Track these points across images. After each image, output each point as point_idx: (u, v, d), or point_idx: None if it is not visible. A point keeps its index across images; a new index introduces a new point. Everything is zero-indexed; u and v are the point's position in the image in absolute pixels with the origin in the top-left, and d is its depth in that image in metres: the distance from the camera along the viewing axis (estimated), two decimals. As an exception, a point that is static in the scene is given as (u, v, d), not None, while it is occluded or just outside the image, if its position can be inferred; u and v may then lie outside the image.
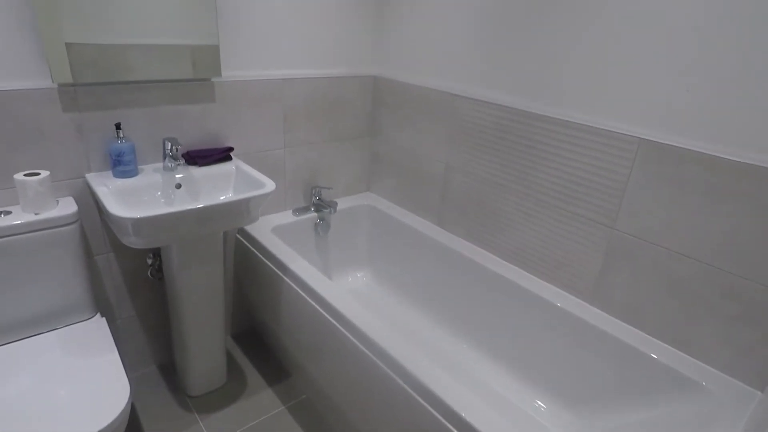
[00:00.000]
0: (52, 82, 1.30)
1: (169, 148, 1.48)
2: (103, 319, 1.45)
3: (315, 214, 1.98)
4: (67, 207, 1.35)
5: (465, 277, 1.76)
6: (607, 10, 1.25)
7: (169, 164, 1.50)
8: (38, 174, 1.31)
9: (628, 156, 1.28)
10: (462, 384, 1.61)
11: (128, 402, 1.15)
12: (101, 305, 1.62)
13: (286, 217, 1.92)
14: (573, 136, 1.39)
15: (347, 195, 2.16)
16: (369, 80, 2.01)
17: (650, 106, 1.22)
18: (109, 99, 1.41)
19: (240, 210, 1.39)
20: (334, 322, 1.37)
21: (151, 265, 1.65)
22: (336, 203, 2.02)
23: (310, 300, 1.48)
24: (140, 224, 1.22)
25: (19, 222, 1.25)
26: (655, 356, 1.29)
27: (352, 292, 2.10)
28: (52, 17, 1.23)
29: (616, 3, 1.23)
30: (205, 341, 1.64)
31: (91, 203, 1.48)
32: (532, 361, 1.59)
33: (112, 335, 1.63)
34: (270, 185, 1.43)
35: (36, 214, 1.29)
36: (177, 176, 1.51)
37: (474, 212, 1.76)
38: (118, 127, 1.40)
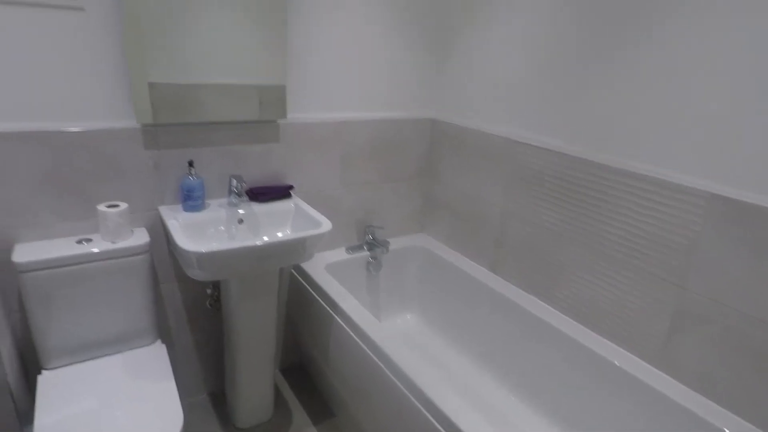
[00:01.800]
0: (137, 122, 1.42)
1: (234, 184, 1.56)
2: (163, 346, 1.52)
3: (368, 252, 2.00)
4: (141, 237, 1.44)
5: (518, 327, 1.70)
6: (674, 57, 1.21)
7: (234, 200, 1.58)
8: (118, 206, 1.42)
9: (698, 211, 1.21)
10: (512, 441, 1.53)
11: (181, 430, 1.18)
12: (162, 332, 1.70)
13: (340, 254, 1.96)
14: (638, 188, 1.33)
15: (400, 235, 2.17)
16: (427, 123, 2.05)
17: (722, 160, 1.15)
18: (184, 138, 1.52)
19: (297, 248, 1.43)
20: (382, 366, 1.36)
21: (210, 296, 1.72)
22: (388, 243, 2.03)
23: (358, 340, 1.47)
24: (204, 258, 1.28)
25: (98, 250, 1.35)
26: (727, 431, 1.17)
27: (401, 334, 2.07)
28: (139, 60, 1.36)
29: (685, 50, 1.19)
30: (255, 373, 1.67)
31: (161, 234, 1.58)
32: (586, 422, 1.49)
33: (170, 361, 1.70)
34: (326, 225, 1.47)
35: (113, 242, 1.39)
36: (240, 212, 1.59)
37: (530, 260, 1.71)
38: (191, 164, 1.50)
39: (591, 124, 1.44)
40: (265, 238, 1.34)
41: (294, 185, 1.77)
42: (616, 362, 1.40)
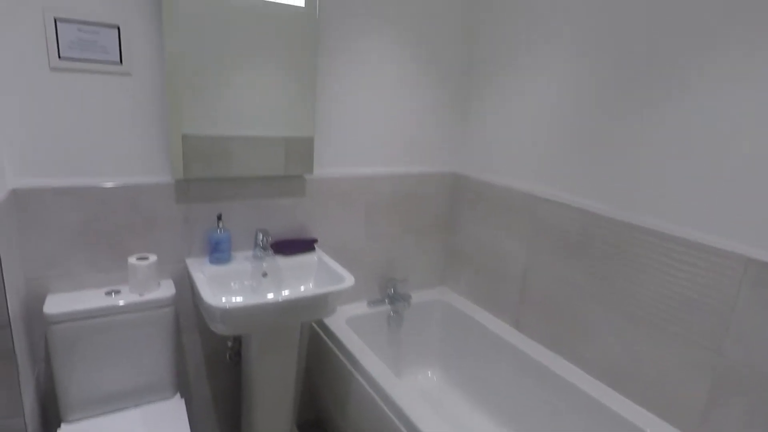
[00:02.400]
0: (171, 178, 1.47)
1: (260, 238, 1.59)
2: (182, 400, 1.50)
3: (389, 306, 1.98)
4: (167, 290, 1.46)
5: (542, 387, 1.63)
6: (706, 116, 1.22)
7: (259, 253, 1.60)
8: (147, 258, 1.45)
9: (734, 275, 1.18)
10: None
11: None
12: (181, 384, 1.68)
13: (361, 307, 1.94)
14: (668, 249, 1.31)
15: (422, 288, 2.15)
16: (450, 177, 2.07)
17: (759, 223, 1.13)
18: (214, 192, 1.56)
19: (319, 303, 1.43)
20: (402, 427, 1.31)
21: (230, 348, 1.71)
22: (410, 296, 2.01)
23: (378, 399, 1.44)
24: (227, 313, 1.29)
25: (126, 303, 1.37)
26: None
27: (421, 390, 2.01)
28: (176, 114, 1.41)
29: (717, 109, 1.20)
30: (272, 428, 1.63)
31: (187, 286, 1.59)
32: (624, 498, 1.39)
33: (188, 414, 1.67)
34: (349, 280, 1.47)
35: (141, 295, 1.41)
36: (264, 265, 1.60)
37: (555, 318, 1.67)
38: (219, 218, 1.54)
39: (616, 182, 1.44)
40: (287, 293, 1.35)
41: (318, 238, 1.79)
42: (646, 430, 1.32)
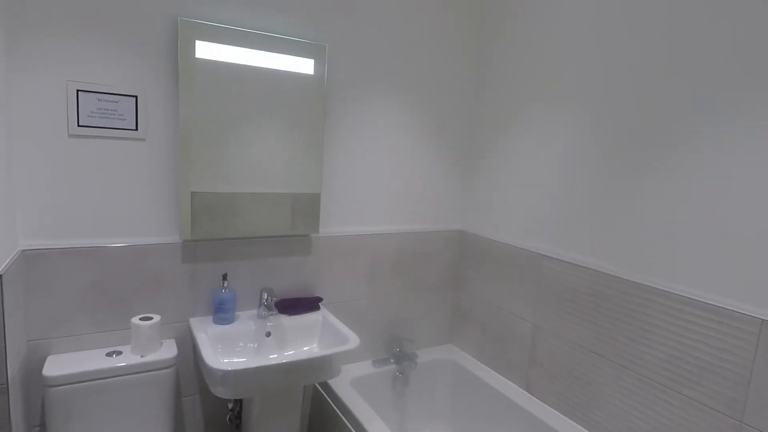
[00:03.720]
0: (180, 238, 1.49)
1: (265, 298, 1.58)
2: (179, 468, 1.44)
3: (394, 366, 1.93)
4: (169, 350, 1.44)
5: (559, 457, 1.55)
6: (720, 178, 1.23)
7: (263, 312, 1.59)
8: (151, 318, 1.44)
9: (750, 339, 1.14)
10: None
11: None
12: (178, 449, 1.62)
13: (366, 367, 1.89)
14: (681, 311, 1.28)
15: (428, 346, 2.10)
16: (455, 235, 2.08)
17: (768, 286, 1.12)
18: (221, 252, 1.57)
19: (323, 365, 1.40)
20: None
21: (231, 410, 1.65)
22: (416, 355, 1.97)
23: (385, 470, 1.37)
24: (228, 376, 1.26)
25: (126, 364, 1.35)
26: None
27: (429, 457, 1.92)
28: (186, 173, 1.45)
29: (726, 170, 1.21)
30: (271, 503, 1.55)
31: (189, 345, 1.57)
32: None
33: (183, 485, 1.60)
34: (354, 341, 1.45)
35: (142, 356, 1.39)
36: (268, 324, 1.59)
37: (566, 380, 1.61)
38: (224, 277, 1.54)
39: (624, 241, 1.44)
40: (290, 354, 1.33)
41: (323, 297, 1.78)
42: None
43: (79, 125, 1.29)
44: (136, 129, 1.37)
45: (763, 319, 1.12)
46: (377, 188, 1.86)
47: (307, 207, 1.68)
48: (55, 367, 1.30)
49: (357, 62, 1.73)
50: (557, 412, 1.64)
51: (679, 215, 1.29)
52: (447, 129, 1.98)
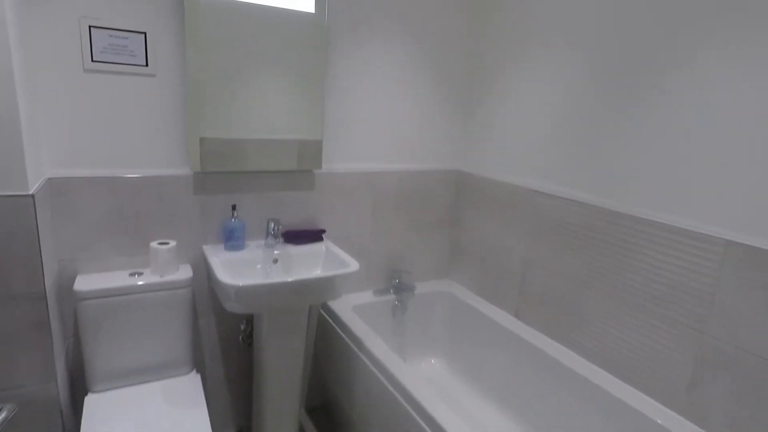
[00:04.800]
0: (191, 170, 1.60)
1: (272, 227, 1.70)
2: (198, 376, 1.61)
3: (394, 296, 2.07)
4: (185, 272, 1.58)
5: (542, 372, 1.70)
6: (688, 110, 1.29)
7: (270, 242, 1.71)
8: (168, 243, 1.57)
9: (716, 258, 1.24)
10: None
11: (209, 456, 1.25)
12: (197, 362, 1.80)
13: (367, 296, 2.04)
14: (656, 235, 1.37)
15: (426, 280, 2.23)
16: (453, 174, 2.16)
17: (738, 208, 1.20)
18: (229, 185, 1.69)
19: (326, 286, 1.53)
20: (406, 405, 1.40)
21: (243, 331, 1.82)
22: (414, 287, 2.10)
23: (383, 380, 1.52)
24: (241, 292, 1.40)
25: (148, 282, 1.49)
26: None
27: (425, 377, 2.09)
28: (194, 118, 1.55)
29: (697, 103, 1.27)
30: (281, 409, 1.73)
31: (202, 271, 1.72)
32: (615, 476, 1.45)
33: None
34: (354, 265, 1.57)
35: (161, 276, 1.53)
36: (275, 252, 1.72)
37: (553, 307, 1.74)
38: (234, 208, 1.66)
39: (610, 175, 1.52)
40: (297, 277, 1.45)
41: (326, 229, 1.90)
42: (640, 409, 1.38)
43: (93, 60, 1.38)
44: (147, 65, 1.45)
45: (727, 239, 1.21)
46: (378, 129, 1.93)
47: (310, 149, 1.76)
48: (84, 283, 1.45)
49: (357, 3, 1.76)
50: (544, 336, 1.78)
51: (659, 147, 1.36)
52: (446, 71, 2.03)
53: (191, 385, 1.57)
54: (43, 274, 1.26)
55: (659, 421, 1.34)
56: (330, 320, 1.90)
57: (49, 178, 1.42)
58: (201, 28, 1.48)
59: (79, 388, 1.62)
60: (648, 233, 1.40)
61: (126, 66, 1.43)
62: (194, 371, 1.65)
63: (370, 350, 1.61)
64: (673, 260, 1.34)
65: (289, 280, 1.44)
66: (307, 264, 1.75)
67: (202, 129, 1.56)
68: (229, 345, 1.84)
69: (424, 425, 1.32)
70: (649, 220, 1.40)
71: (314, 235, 1.82)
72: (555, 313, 1.73)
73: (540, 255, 1.78)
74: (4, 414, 0.64)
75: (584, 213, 1.60)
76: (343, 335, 1.78)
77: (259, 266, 1.69)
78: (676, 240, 1.33)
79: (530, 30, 1.78)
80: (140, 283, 1.49)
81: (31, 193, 1.19)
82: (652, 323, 1.40)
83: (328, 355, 1.93)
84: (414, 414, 1.36)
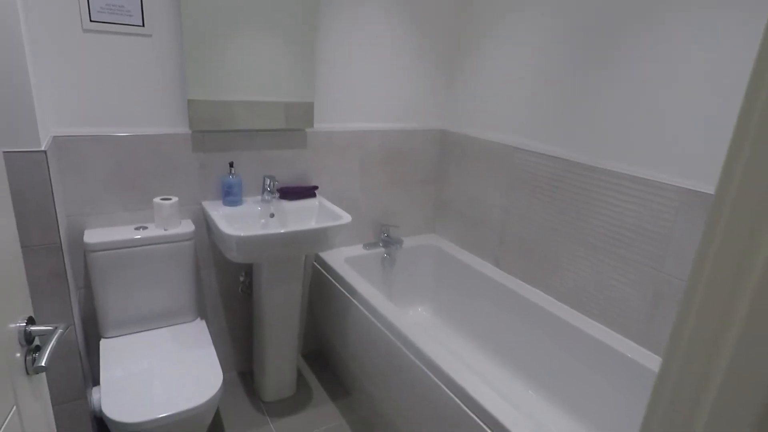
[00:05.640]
0: (189, 129, 1.68)
1: (268, 183, 1.80)
2: (203, 322, 1.74)
3: (383, 249, 2.21)
4: (188, 226, 1.68)
5: (519, 314, 1.87)
6: (649, 71, 1.41)
7: (267, 197, 1.82)
8: (170, 199, 1.66)
9: (672, 204, 1.39)
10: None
11: (220, 387, 1.39)
12: (201, 312, 1.93)
13: (357, 250, 2.17)
14: (620, 185, 1.52)
15: (413, 234, 2.37)
16: (437, 133, 2.27)
17: (692, 158, 1.33)
18: (226, 143, 1.77)
19: (320, 237, 1.65)
20: (398, 343, 1.55)
21: (242, 282, 1.94)
22: (402, 241, 2.24)
23: (376, 322, 1.67)
24: (242, 242, 1.51)
25: (152, 235, 1.59)
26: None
27: (413, 323, 2.25)
28: (197, 80, 1.62)
29: (659, 64, 1.39)
30: (281, 353, 1.88)
31: (203, 225, 1.82)
32: (581, 397, 1.64)
33: (207, 339, 1.92)
34: (346, 218, 1.69)
35: (165, 230, 1.63)
36: (272, 207, 1.82)
37: (529, 255, 1.89)
38: (231, 165, 1.75)
39: (579, 130, 1.64)
40: (294, 228, 1.56)
41: (319, 186, 2.00)
42: (605, 341, 1.56)
43: (91, 20, 1.42)
44: (143, 25, 1.50)
45: (681, 187, 1.35)
46: (367, 89, 2.01)
47: (301, 111, 1.84)
48: (93, 236, 1.54)
49: (345, -38, 1.81)
50: (521, 282, 1.94)
51: (619, 105, 1.48)
52: (432, 33, 2.10)
53: (198, 329, 1.70)
54: (58, 226, 1.35)
55: (621, 350, 1.52)
56: (324, 271, 2.03)
57: (55, 136, 1.49)
58: (194, -12, 1.53)
59: (92, 334, 1.73)
60: (611, 182, 1.54)
61: (123, 26, 1.48)
62: (199, 318, 1.77)
63: (364, 296, 1.75)
64: (634, 207, 1.49)
65: (287, 230, 1.55)
66: (302, 218, 1.87)
67: (190, 91, 1.62)
68: (229, 295, 1.97)
69: (417, 362, 1.47)
70: (612, 170, 1.53)
71: (308, 192, 1.92)
72: (530, 259, 1.89)
73: (517, 206, 1.92)
74: (59, 332, 0.76)
75: (555, 166, 1.73)
76: (337, 284, 1.92)
77: (257, 220, 1.79)
78: (637, 189, 1.47)
79: (512, -8, 1.85)
80: (146, 236, 1.59)
81: (43, 149, 1.27)
82: (615, 264, 1.56)
83: (323, 303, 2.07)
84: (407, 351, 1.51)
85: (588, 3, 1.57)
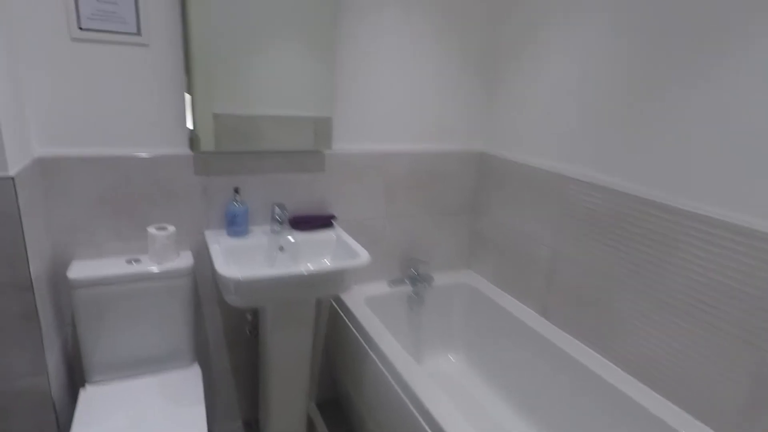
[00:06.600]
0: (191, 150, 1.48)
1: (277, 212, 1.58)
2: (199, 370, 1.53)
3: (410, 287, 1.94)
4: (185, 260, 1.48)
5: (567, 377, 1.55)
6: (743, 93, 1.09)
7: (276, 228, 1.60)
8: (166, 228, 1.47)
9: (783, 262, 1.05)
10: None
11: (202, 461, 1.16)
12: (200, 353, 1.72)
13: (381, 287, 1.91)
14: (707, 232, 1.19)
15: (445, 271, 2.09)
16: (474, 156, 1.99)
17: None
18: (232, 165, 1.56)
19: (334, 279, 1.41)
20: (415, 412, 1.28)
21: (249, 322, 1.72)
22: (432, 278, 1.96)
23: (393, 382, 1.41)
24: (241, 285, 1.29)
25: (143, 271, 1.40)
26: None
27: (442, 375, 1.97)
28: (205, 93, 1.42)
29: (753, 85, 1.07)
30: (288, 404, 1.64)
31: (206, 257, 1.61)
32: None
33: (206, 385, 1.71)
34: (365, 257, 1.44)
35: (159, 264, 1.44)
36: (281, 239, 1.60)
37: (584, 307, 1.57)
38: (236, 191, 1.54)
39: (649, 160, 1.33)
40: (302, 269, 1.33)
41: (336, 215, 1.76)
42: (678, 429, 1.22)
43: (80, 28, 1.26)
44: (139, 34, 1.32)
45: (801, 241, 1.02)
46: (393, 106, 1.77)
47: (320, 127, 1.62)
48: (78, 270, 1.36)
49: (374, -37, 1.59)
50: (572, 338, 1.62)
51: (706, 132, 1.16)
52: (469, 43, 1.83)
53: (191, 379, 1.48)
54: (29, 262, 1.17)
55: (704, 444, 1.18)
56: (341, 313, 1.78)
57: (39, 158, 1.33)
58: (200, -7, 1.34)
59: (78, 379, 1.55)
60: (695, 228, 1.22)
61: (116, 35, 1.30)
62: (195, 363, 1.56)
63: (382, 349, 1.49)
64: (725, 261, 1.15)
65: (294, 272, 1.32)
66: (315, 253, 1.63)
67: (215, 105, 1.44)
68: (235, 335, 1.76)
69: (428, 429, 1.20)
70: (697, 213, 1.21)
71: (323, 221, 1.69)
72: (585, 313, 1.57)
73: (570, 248, 1.61)
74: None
75: (620, 203, 1.42)
76: (355, 330, 1.66)
77: (263, 254, 1.57)
78: (730, 239, 1.14)
79: (561, 2, 1.57)
80: (137, 271, 1.40)
81: (10, 175, 1.09)
82: (698, 333, 1.23)
83: (340, 349, 1.82)
84: (421, 420, 1.24)
85: (660, 3, 1.26)
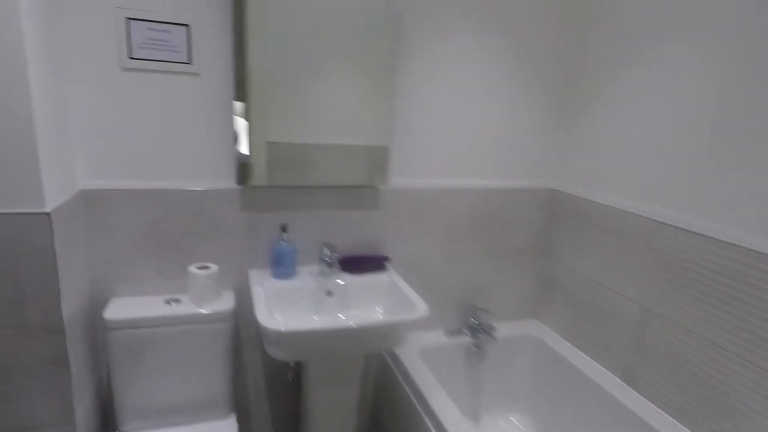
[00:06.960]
0: (237, 184, 1.39)
1: (326, 253, 1.44)
2: (236, 423, 1.39)
3: (470, 338, 1.73)
4: (227, 302, 1.37)
5: (664, 466, 1.28)
6: None
7: (325, 269, 1.46)
8: (208, 267, 1.37)
9: None
10: None
11: None
12: (240, 401, 1.59)
13: (437, 337, 1.72)
14: None
15: (509, 320, 1.87)
16: (545, 193, 1.78)
17: None
18: (282, 201, 1.45)
19: (386, 334, 1.25)
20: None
21: (292, 369, 1.58)
22: (494, 328, 1.75)
23: (450, 454, 1.20)
24: (282, 337, 1.15)
25: (181, 314, 1.30)
26: None
27: (503, 440, 1.73)
28: (259, 121, 1.33)
29: None
30: (329, 467, 1.47)
31: (249, 298, 1.49)
32: None
33: (243, 437, 1.57)
34: (422, 310, 1.27)
35: (199, 305, 1.33)
36: (330, 283, 1.46)
37: (681, 377, 1.31)
38: (283, 229, 1.42)
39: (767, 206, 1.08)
40: (351, 323, 1.18)
41: (390, 256, 1.61)
42: None
43: (131, 57, 1.20)
44: (190, 63, 1.25)
45: None
46: (455, 138, 1.61)
47: (375, 158, 1.48)
48: (115, 311, 1.28)
49: (438, -15, 1.47)
50: (668, 416, 1.35)
51: None
52: (540, 71, 1.66)
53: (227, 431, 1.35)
54: (61, 304, 1.09)
55: None
56: (392, 364, 1.61)
57: (82, 190, 1.27)
58: (263, 18, 1.25)
59: (111, 425, 1.46)
60: None
61: (167, 63, 1.24)
62: (233, 416, 1.43)
63: (436, 413, 1.29)
64: None
65: (343, 326, 1.17)
66: (366, 299, 1.48)
67: (269, 133, 1.35)
68: (275, 384, 1.61)
69: None
70: None
71: (376, 263, 1.54)
72: (683, 386, 1.30)
73: (664, 305, 1.36)
74: None
75: (731, 257, 1.17)
76: (406, 387, 1.48)
77: (310, 299, 1.44)
78: None
79: (655, 14, 1.37)
80: (175, 313, 1.30)
81: (46, 210, 1.02)
82: None
83: (389, 405, 1.63)
84: None
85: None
